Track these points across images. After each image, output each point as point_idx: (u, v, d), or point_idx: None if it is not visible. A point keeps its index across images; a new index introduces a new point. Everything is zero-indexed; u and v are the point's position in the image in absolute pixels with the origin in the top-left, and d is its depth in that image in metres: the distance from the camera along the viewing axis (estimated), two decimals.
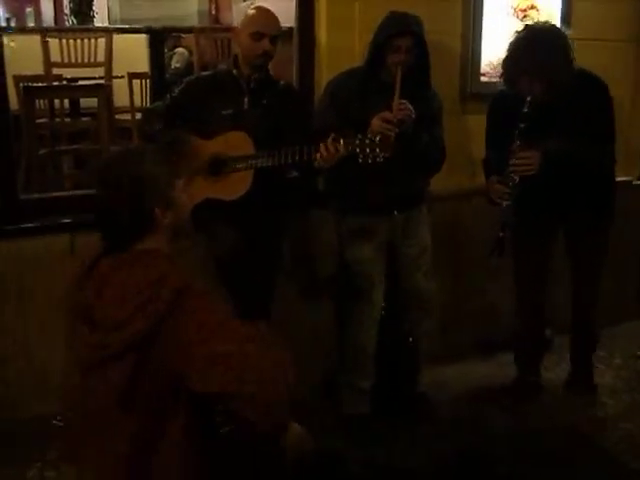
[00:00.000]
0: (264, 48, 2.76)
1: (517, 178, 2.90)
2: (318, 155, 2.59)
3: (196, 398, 1.60)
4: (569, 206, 3.12)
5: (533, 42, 2.88)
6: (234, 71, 2.85)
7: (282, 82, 2.99)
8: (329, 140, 2.55)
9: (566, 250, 3.30)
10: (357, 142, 2.54)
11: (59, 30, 5.49)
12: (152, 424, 1.62)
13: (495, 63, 3.63)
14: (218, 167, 2.74)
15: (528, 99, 2.88)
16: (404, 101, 2.77)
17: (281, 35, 2.88)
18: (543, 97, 2.89)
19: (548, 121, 2.90)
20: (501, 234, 2.94)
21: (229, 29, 5.32)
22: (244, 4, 6.56)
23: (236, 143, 2.72)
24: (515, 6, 3.66)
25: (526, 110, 2.87)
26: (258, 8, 2.90)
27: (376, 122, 2.73)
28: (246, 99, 2.83)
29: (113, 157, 1.82)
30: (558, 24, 3.53)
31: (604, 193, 3.17)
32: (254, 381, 1.53)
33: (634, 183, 4.16)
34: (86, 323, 1.63)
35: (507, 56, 2.96)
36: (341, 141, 2.55)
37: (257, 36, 2.75)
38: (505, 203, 2.94)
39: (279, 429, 1.74)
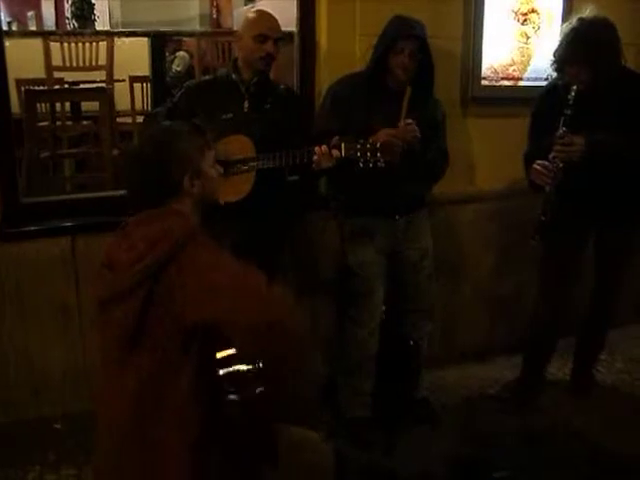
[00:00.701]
0: (267, 50, 2.78)
1: (561, 164, 2.90)
2: (315, 157, 2.60)
3: (205, 353, 1.67)
4: (604, 206, 3.10)
5: (583, 32, 2.91)
6: (233, 75, 2.86)
7: (282, 86, 2.99)
8: (332, 142, 2.56)
9: (594, 250, 3.29)
10: (358, 146, 2.54)
11: (62, 34, 5.49)
12: (160, 365, 1.68)
13: (496, 67, 3.65)
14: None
15: (574, 87, 2.90)
16: (410, 121, 2.76)
17: (282, 38, 2.89)
18: (589, 86, 2.91)
19: (593, 111, 2.91)
20: (543, 218, 2.94)
21: (230, 33, 5.32)
22: (245, 8, 6.59)
23: (237, 146, 2.73)
24: (516, 10, 3.66)
25: (572, 98, 2.89)
26: (260, 11, 2.91)
27: (382, 136, 2.71)
28: (246, 103, 2.84)
29: (152, 132, 2.03)
30: (559, 27, 3.54)
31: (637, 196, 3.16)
32: (252, 310, 1.65)
33: None
34: (107, 267, 1.79)
35: (558, 44, 3.00)
36: (342, 145, 2.56)
37: (261, 38, 2.76)
38: (548, 187, 2.93)
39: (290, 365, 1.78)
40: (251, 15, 2.89)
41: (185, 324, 1.65)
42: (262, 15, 2.86)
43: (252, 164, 2.69)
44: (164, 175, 1.82)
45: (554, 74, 3.10)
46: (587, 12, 3.05)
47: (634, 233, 3.24)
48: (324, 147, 2.58)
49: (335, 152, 2.57)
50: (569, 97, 2.90)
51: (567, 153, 2.89)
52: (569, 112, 2.89)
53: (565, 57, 2.96)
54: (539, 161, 2.97)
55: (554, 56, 3.04)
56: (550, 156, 2.93)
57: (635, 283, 4.15)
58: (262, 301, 1.69)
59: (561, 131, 2.90)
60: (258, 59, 2.79)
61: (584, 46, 2.88)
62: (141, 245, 1.71)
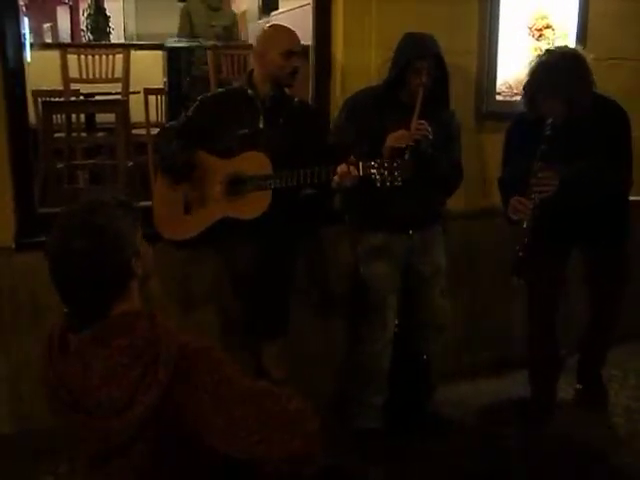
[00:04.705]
0: (295, 65, 2.79)
1: (538, 199, 2.90)
2: (336, 177, 2.61)
3: (222, 464, 1.53)
4: (586, 229, 3.14)
5: (553, 65, 2.92)
6: (249, 90, 2.85)
7: (296, 99, 2.99)
8: (349, 162, 2.57)
9: (586, 280, 3.32)
10: (376, 165, 2.54)
11: (80, 46, 5.54)
12: None
13: (511, 82, 3.66)
14: (237, 186, 2.76)
15: (549, 121, 2.90)
16: (422, 121, 2.78)
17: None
18: (563, 119, 2.91)
19: (568, 142, 2.92)
20: (521, 254, 2.92)
21: (245, 47, 5.36)
22: (260, 22, 6.63)
23: (254, 163, 2.73)
24: (531, 26, 3.67)
25: (548, 132, 2.89)
26: (282, 27, 2.92)
27: (391, 138, 2.76)
28: (262, 118, 2.84)
29: (81, 210, 1.55)
30: (573, 43, 3.55)
31: (620, 216, 3.21)
32: (279, 440, 1.47)
33: None
34: (79, 411, 1.47)
35: (528, 79, 3.01)
36: (360, 164, 2.57)
37: (288, 54, 2.77)
38: (525, 223, 2.93)
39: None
40: (274, 31, 2.90)
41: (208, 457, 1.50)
42: (286, 31, 2.86)
43: (269, 182, 2.69)
44: (109, 268, 1.49)
45: (524, 108, 3.08)
46: (554, 44, 3.08)
47: (619, 255, 3.25)
48: (345, 166, 2.58)
49: (353, 171, 2.57)
50: (545, 132, 2.89)
51: (543, 189, 2.88)
52: (544, 147, 2.89)
53: (537, 92, 2.95)
54: (516, 197, 2.96)
55: (524, 90, 3.04)
56: (527, 192, 2.92)
57: None
58: (287, 427, 1.50)
59: (537, 165, 2.89)
60: (286, 75, 2.80)
61: (556, 80, 2.88)
62: (125, 384, 1.42)
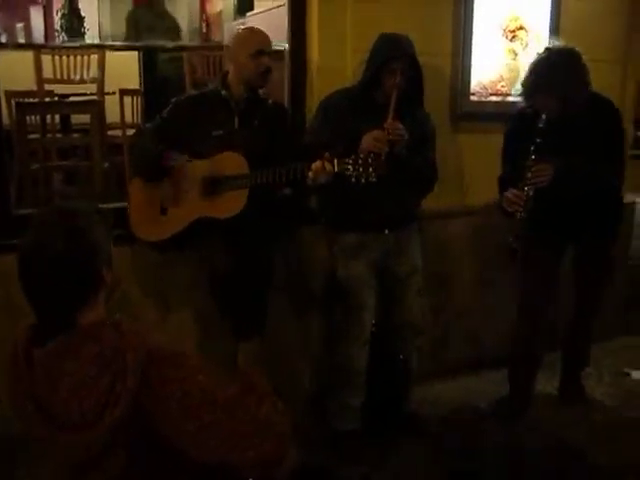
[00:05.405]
0: (267, 64, 2.80)
1: (531, 191, 2.97)
2: (310, 173, 2.62)
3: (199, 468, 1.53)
4: (579, 224, 3.21)
5: (551, 62, 3.02)
6: (223, 92, 2.86)
7: (270, 101, 3.00)
8: (324, 158, 2.58)
9: (573, 267, 3.38)
10: (350, 161, 2.56)
11: (54, 47, 5.49)
12: None
13: (485, 83, 3.69)
14: (213, 187, 2.76)
15: (544, 116, 2.98)
16: (396, 122, 2.80)
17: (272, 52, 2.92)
18: (558, 114, 2.99)
19: (562, 138, 3.00)
20: (514, 246, 3.02)
21: (220, 47, 5.34)
22: (235, 22, 6.61)
23: (230, 163, 2.74)
24: (504, 27, 3.71)
25: (542, 126, 2.98)
26: (251, 28, 2.95)
27: (367, 139, 2.76)
28: (236, 119, 2.85)
29: (60, 212, 1.55)
30: (546, 45, 3.59)
31: (613, 213, 3.29)
32: (249, 445, 1.48)
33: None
34: (49, 425, 1.45)
35: (527, 74, 3.10)
36: (335, 160, 2.58)
37: (257, 55, 2.78)
38: (519, 215, 2.99)
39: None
40: (243, 33, 2.91)
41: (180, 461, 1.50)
42: (256, 32, 2.88)
43: (245, 180, 2.70)
44: (83, 273, 1.47)
45: (523, 104, 3.19)
46: (553, 42, 3.15)
47: (610, 247, 3.34)
48: (320, 162, 2.60)
49: (328, 166, 2.59)
50: (539, 125, 2.98)
51: (536, 180, 2.96)
52: (539, 140, 2.97)
53: (534, 87, 3.05)
54: (511, 189, 3.04)
55: (523, 85, 3.13)
56: (520, 184, 3.00)
57: (619, 297, 4.20)
58: (257, 433, 1.51)
59: (531, 159, 2.97)
60: (259, 75, 2.81)
61: (553, 76, 2.98)
62: (94, 395, 1.39)
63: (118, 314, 1.56)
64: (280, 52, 3.37)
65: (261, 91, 2.94)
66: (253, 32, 2.89)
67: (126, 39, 6.24)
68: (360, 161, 2.55)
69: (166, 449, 1.47)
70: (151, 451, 1.48)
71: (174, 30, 6.48)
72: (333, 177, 2.61)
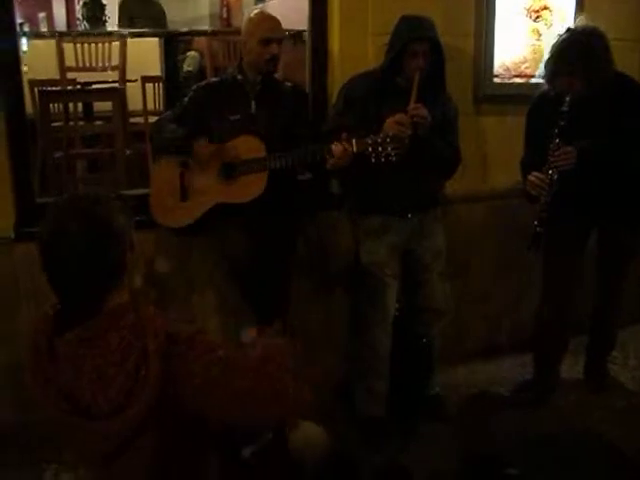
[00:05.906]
0: (272, 52, 2.82)
1: (556, 175, 2.93)
2: (329, 156, 2.62)
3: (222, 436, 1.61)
4: (603, 207, 3.14)
5: (574, 43, 2.95)
6: (239, 77, 2.90)
7: (288, 84, 3.01)
8: (342, 139, 2.58)
9: (597, 251, 3.33)
10: (369, 141, 2.55)
11: (75, 35, 5.52)
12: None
13: (508, 64, 3.64)
14: (231, 171, 2.77)
15: (567, 98, 2.92)
16: (419, 105, 2.78)
17: (285, 38, 2.91)
18: (582, 96, 2.93)
19: (586, 120, 2.95)
20: (538, 229, 2.96)
21: (240, 32, 5.35)
22: (254, 7, 6.60)
23: (248, 147, 2.75)
24: (528, 7, 3.65)
25: (566, 108, 2.92)
26: (261, 14, 2.98)
27: (390, 123, 2.74)
28: (253, 104, 2.88)
29: (83, 200, 1.56)
30: (571, 25, 3.54)
31: (638, 196, 3.19)
32: (276, 409, 1.58)
33: None
34: (78, 414, 1.46)
35: (549, 56, 3.04)
36: (353, 141, 2.57)
37: (266, 42, 2.80)
38: (543, 198, 2.96)
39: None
40: (253, 18, 2.92)
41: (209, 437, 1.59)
42: (264, 18, 2.90)
43: (263, 163, 2.70)
44: (110, 259, 1.49)
45: (545, 87, 3.12)
46: (577, 22, 3.09)
47: (636, 231, 3.27)
48: (339, 144, 2.59)
49: (348, 147, 2.58)
50: (563, 108, 2.92)
51: (560, 164, 2.91)
52: (563, 123, 2.92)
53: (557, 68, 2.99)
54: (534, 172, 3.00)
55: (545, 67, 3.07)
56: (544, 167, 2.95)
57: None
58: (285, 398, 1.59)
59: (555, 142, 2.92)
60: (264, 62, 2.84)
61: (575, 57, 2.91)
62: (120, 380, 1.41)
63: (141, 297, 1.59)
64: (300, 34, 3.35)
65: (277, 74, 2.94)
66: (264, 19, 2.91)
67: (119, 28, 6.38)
68: (379, 140, 2.54)
69: (190, 422, 1.50)
70: (177, 427, 1.50)
71: (159, 17, 6.68)
72: (353, 158, 2.60)
